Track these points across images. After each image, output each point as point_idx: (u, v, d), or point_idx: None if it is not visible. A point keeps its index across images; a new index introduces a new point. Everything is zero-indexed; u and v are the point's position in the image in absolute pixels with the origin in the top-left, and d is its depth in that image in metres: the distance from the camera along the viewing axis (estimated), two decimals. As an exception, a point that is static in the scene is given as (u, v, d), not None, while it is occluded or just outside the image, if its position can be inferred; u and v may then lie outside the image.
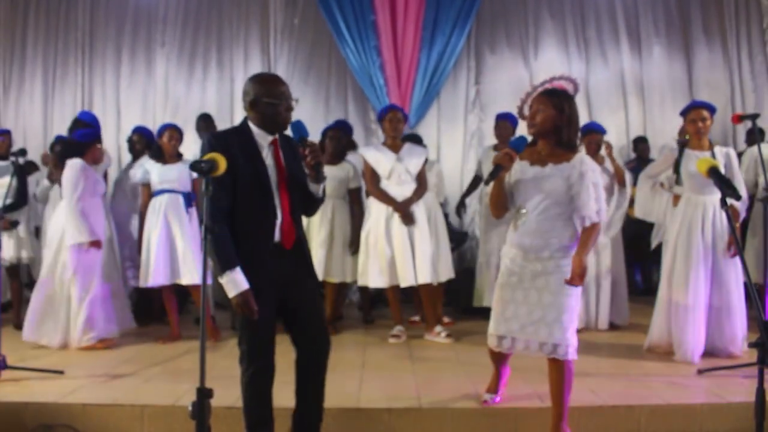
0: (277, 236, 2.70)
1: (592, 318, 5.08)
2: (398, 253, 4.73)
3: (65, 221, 4.51)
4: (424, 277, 4.71)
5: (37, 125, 7.46)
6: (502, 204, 3.03)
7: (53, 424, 3.14)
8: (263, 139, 2.74)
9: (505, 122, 5.37)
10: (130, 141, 5.82)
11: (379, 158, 4.81)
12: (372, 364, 4.10)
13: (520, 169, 2.96)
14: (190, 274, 4.76)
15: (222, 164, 2.49)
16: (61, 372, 3.75)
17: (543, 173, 2.90)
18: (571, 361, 2.86)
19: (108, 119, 7.12)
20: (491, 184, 3.01)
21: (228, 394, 3.13)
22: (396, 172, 4.76)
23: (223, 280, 2.59)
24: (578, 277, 2.79)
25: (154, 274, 4.74)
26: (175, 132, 4.94)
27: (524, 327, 2.91)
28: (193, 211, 4.94)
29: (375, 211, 4.87)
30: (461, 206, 6.17)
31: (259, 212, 2.67)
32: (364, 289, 5.63)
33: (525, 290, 2.92)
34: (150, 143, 5.38)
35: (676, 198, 4.32)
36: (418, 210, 4.80)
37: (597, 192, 2.87)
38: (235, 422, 3.06)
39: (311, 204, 2.88)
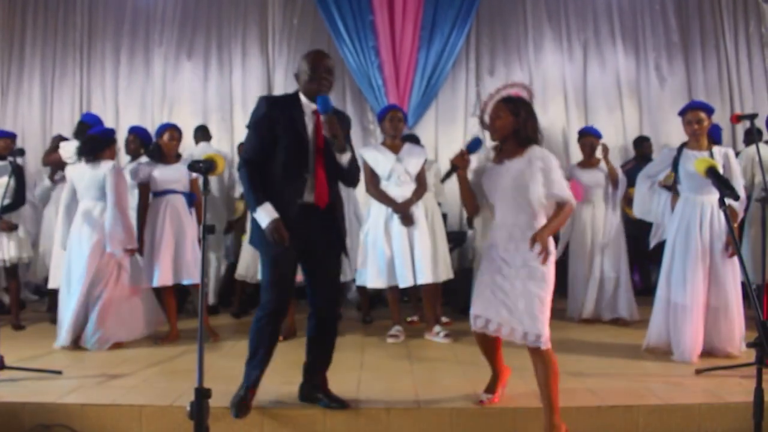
0: (307, 196, 3.03)
1: (590, 310, 5.36)
2: (397, 253, 4.73)
3: (109, 226, 4.47)
4: (425, 277, 4.70)
5: (35, 126, 7.45)
6: (472, 202, 3.22)
7: (51, 424, 3.13)
8: (308, 108, 3.07)
9: None
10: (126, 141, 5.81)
11: (379, 159, 4.80)
12: (370, 364, 4.10)
13: (486, 170, 3.17)
14: (194, 274, 4.78)
15: (220, 164, 2.63)
16: (59, 372, 3.74)
17: (501, 170, 3.09)
18: (550, 351, 2.97)
19: (106, 119, 7.08)
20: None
21: (226, 393, 3.12)
22: (396, 172, 4.76)
23: (256, 213, 2.96)
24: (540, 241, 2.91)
25: (159, 275, 4.73)
26: (175, 132, 4.91)
27: (499, 310, 3.02)
28: (194, 211, 4.94)
29: (374, 211, 4.87)
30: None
31: (293, 171, 3.01)
32: (362, 289, 5.63)
33: (508, 277, 3.02)
34: (145, 143, 5.39)
35: (675, 198, 4.33)
36: (418, 210, 4.80)
37: (547, 177, 2.99)
38: (233, 422, 3.06)
39: (342, 174, 3.13)
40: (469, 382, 3.52)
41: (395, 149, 4.83)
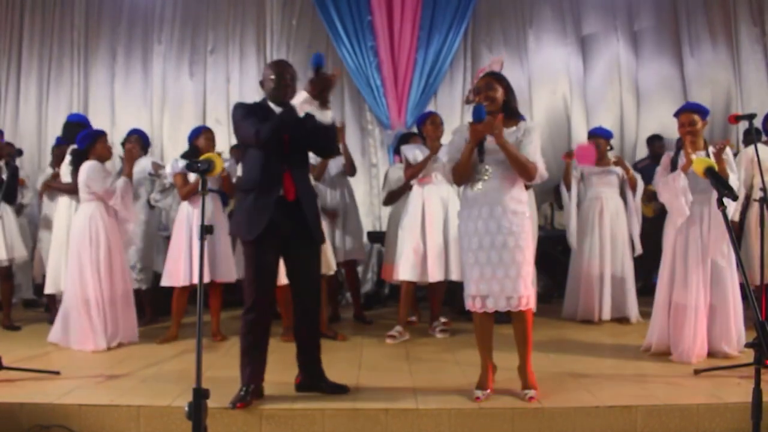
0: (281, 190, 3.22)
1: (597, 310, 5.32)
2: (431, 248, 4.83)
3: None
4: (456, 275, 4.83)
5: (31, 126, 7.40)
6: (471, 169, 3.34)
7: (49, 424, 3.13)
8: (276, 111, 3.25)
9: None
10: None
11: (418, 156, 4.94)
12: (368, 364, 4.09)
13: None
14: (220, 272, 4.83)
15: (218, 164, 2.64)
16: (56, 372, 3.74)
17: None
18: (531, 310, 3.28)
19: (104, 120, 7.07)
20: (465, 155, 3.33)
21: (224, 394, 3.12)
22: (433, 172, 4.89)
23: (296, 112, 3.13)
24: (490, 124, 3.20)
25: (192, 272, 4.75)
26: (210, 133, 4.92)
27: (491, 285, 3.24)
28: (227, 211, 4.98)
29: (412, 207, 4.96)
30: None
31: (267, 168, 3.23)
32: (355, 291, 5.72)
33: (486, 251, 3.24)
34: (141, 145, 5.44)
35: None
36: (454, 208, 4.88)
37: (529, 145, 3.29)
38: (232, 422, 3.06)
39: (322, 139, 3.27)
40: (468, 383, 3.51)
41: (435, 151, 4.92)
